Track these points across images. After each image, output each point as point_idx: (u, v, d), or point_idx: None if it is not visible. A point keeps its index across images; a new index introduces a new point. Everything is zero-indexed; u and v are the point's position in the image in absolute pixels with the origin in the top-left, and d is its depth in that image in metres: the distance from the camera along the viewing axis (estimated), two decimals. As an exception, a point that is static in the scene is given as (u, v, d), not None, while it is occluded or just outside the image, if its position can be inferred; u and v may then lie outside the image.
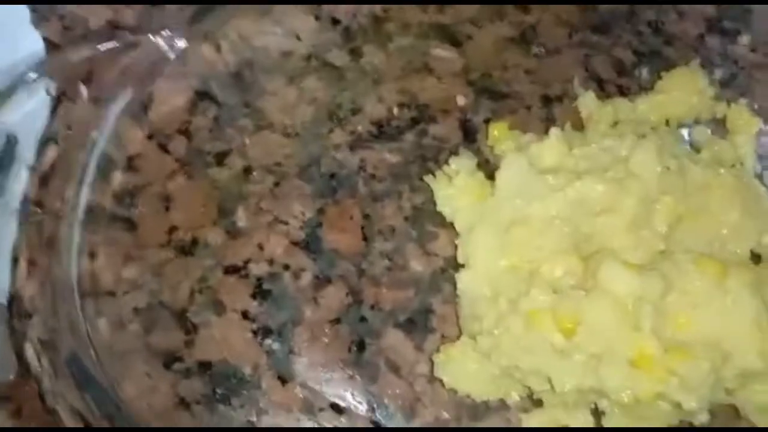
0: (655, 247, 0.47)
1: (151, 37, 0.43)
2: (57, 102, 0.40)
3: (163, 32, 0.43)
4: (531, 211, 0.47)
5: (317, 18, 0.58)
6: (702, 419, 0.47)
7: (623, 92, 0.59)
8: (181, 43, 0.44)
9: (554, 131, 0.51)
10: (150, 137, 0.51)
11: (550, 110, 0.58)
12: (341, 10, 0.59)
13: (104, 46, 0.40)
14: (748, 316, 0.44)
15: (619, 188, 0.47)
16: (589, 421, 0.46)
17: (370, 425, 0.46)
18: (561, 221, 0.46)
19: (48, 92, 0.39)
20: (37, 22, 0.51)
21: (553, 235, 0.46)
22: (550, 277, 0.44)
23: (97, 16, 0.57)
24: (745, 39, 0.62)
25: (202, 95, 0.54)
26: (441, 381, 0.46)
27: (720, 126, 0.58)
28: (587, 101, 0.56)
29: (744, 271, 0.46)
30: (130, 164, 0.49)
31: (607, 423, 0.46)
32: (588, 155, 0.49)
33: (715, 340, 0.44)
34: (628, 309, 0.43)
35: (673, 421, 0.46)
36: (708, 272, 0.45)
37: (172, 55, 0.44)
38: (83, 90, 0.40)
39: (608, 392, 0.43)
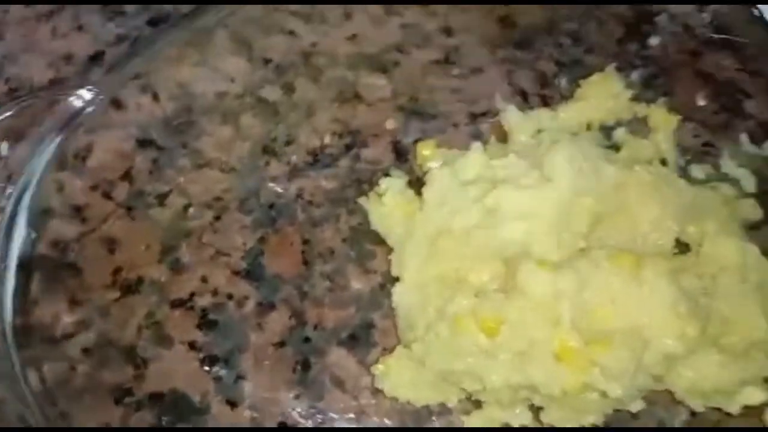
0: (574, 247, 0.49)
1: (78, 91, 0.46)
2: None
3: (89, 87, 0.46)
4: (454, 221, 0.50)
5: (249, 60, 0.61)
6: (637, 407, 0.49)
7: (546, 103, 0.62)
8: (103, 96, 0.47)
9: (475, 145, 0.54)
10: (93, 187, 0.54)
11: (476, 126, 0.61)
12: (273, 50, 0.62)
13: (27, 103, 0.42)
14: (665, 304, 0.47)
15: (535, 193, 0.50)
16: (527, 417, 0.49)
17: (317, 440, 0.48)
18: (482, 230, 0.49)
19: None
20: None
21: (475, 243, 0.49)
22: (474, 282, 0.47)
23: (42, 75, 0.60)
24: (654, 40, 0.65)
25: (142, 142, 0.57)
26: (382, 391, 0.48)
27: (643, 125, 0.61)
28: (509, 114, 0.59)
29: (659, 262, 0.49)
30: (73, 212, 0.52)
31: (544, 418, 0.48)
32: (506, 165, 0.52)
33: (635, 329, 0.46)
34: (547, 306, 0.45)
35: (607, 411, 0.49)
36: (623, 265, 0.47)
37: (92, 108, 0.47)
38: (4, 148, 0.42)
39: (537, 387, 0.46)
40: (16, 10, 0.64)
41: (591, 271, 0.47)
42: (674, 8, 0.68)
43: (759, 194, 0.60)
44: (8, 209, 0.42)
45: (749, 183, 0.60)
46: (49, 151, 0.44)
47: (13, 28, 0.63)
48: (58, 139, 0.44)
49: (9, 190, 0.42)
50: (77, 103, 0.46)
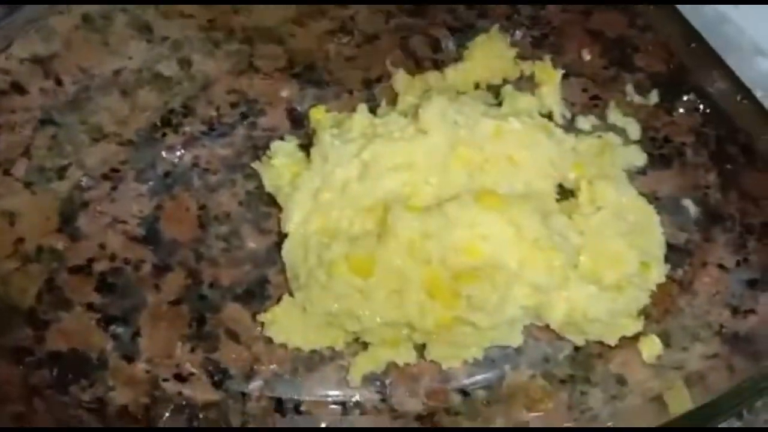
0: (450, 193, 0.52)
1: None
2: None
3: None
4: (335, 176, 0.53)
5: (149, 41, 0.63)
6: (516, 341, 0.52)
7: (438, 66, 0.65)
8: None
9: (361, 107, 0.57)
10: (-5, 166, 0.56)
11: (371, 92, 0.64)
12: (172, 28, 0.65)
13: None
14: (529, 239, 0.50)
15: (409, 145, 0.52)
16: (412, 355, 0.52)
17: (212, 388, 0.50)
18: (360, 182, 0.52)
19: None
20: None
21: (353, 195, 0.52)
22: (348, 230, 0.50)
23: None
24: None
25: (44, 122, 0.59)
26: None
27: (531, 83, 0.65)
28: (399, 78, 0.62)
29: (527, 202, 0.52)
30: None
31: (428, 354, 0.51)
32: (387, 122, 0.55)
33: (501, 264, 0.49)
34: (417, 246, 0.48)
35: (485, 344, 0.52)
36: (489, 206, 0.50)
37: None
38: None
39: (414, 323, 0.49)
40: None
41: (459, 212, 0.50)
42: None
43: (644, 141, 0.64)
44: None
45: (634, 130, 0.64)
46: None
47: None
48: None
49: None
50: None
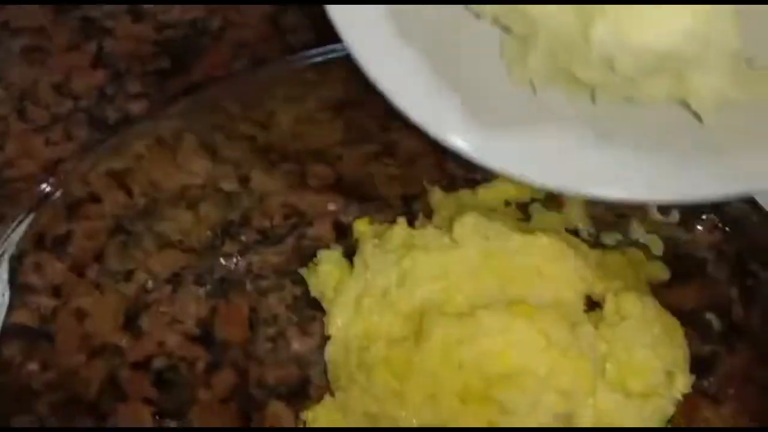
0: (481, 302, 0.56)
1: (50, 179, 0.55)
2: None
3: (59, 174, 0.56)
4: (376, 282, 0.57)
5: (213, 160, 0.70)
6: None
7: (471, 185, 0.70)
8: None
9: (400, 220, 0.62)
10: (71, 268, 0.62)
11: (409, 206, 0.69)
12: (234, 148, 0.72)
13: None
14: (559, 347, 0.53)
15: (444, 256, 0.57)
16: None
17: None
18: (399, 288, 0.56)
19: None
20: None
21: (392, 301, 0.55)
22: (388, 334, 0.53)
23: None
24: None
25: (115, 230, 0.65)
26: (313, 437, 0.54)
27: (558, 202, 0.69)
28: (435, 194, 0.67)
29: (556, 312, 0.55)
30: (50, 289, 0.59)
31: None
32: (424, 235, 0.60)
33: (531, 370, 0.52)
34: (451, 352, 0.51)
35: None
36: (520, 315, 0.53)
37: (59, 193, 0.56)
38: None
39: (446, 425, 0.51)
40: (15, 124, 0.75)
41: (491, 319, 0.53)
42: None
43: (667, 257, 0.67)
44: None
45: (657, 247, 0.67)
46: (21, 229, 0.52)
47: (12, 139, 0.74)
48: (30, 218, 0.53)
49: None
50: (47, 188, 0.55)
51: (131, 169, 0.71)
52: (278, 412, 0.57)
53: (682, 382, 0.56)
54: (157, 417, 0.55)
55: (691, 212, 0.71)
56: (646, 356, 0.56)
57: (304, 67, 0.77)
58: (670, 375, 0.55)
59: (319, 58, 0.78)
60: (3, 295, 0.51)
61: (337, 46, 0.78)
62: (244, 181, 0.72)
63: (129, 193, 0.69)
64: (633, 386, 0.54)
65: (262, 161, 0.74)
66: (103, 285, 0.62)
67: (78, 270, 0.63)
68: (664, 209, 0.70)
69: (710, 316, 0.62)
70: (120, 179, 0.70)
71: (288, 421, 0.56)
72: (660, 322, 0.59)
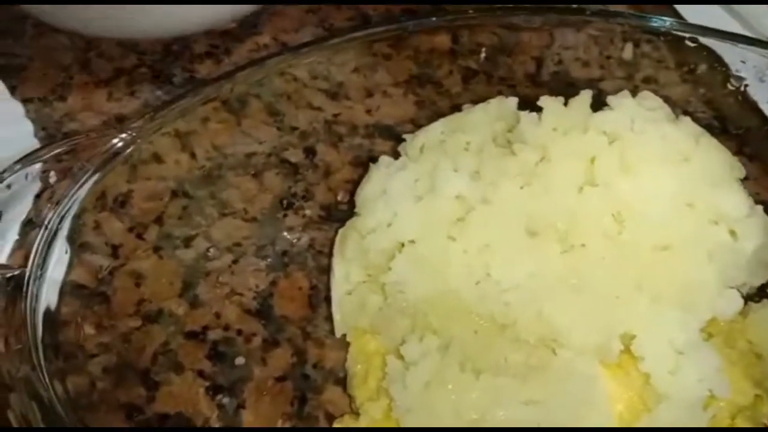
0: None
1: (120, 134, 0.53)
2: (41, 190, 0.50)
3: (128, 131, 0.53)
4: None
5: (279, 129, 0.68)
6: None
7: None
8: (140, 140, 0.54)
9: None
10: (130, 229, 0.60)
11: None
12: (300, 118, 0.69)
13: (75, 141, 0.49)
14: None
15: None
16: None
17: (307, 469, 0.50)
18: None
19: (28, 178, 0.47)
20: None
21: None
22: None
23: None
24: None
25: (176, 192, 0.63)
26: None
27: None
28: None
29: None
30: (107, 249, 0.58)
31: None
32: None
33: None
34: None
35: None
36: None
37: (129, 150, 0.54)
38: (52, 177, 0.49)
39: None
40: (78, 77, 0.73)
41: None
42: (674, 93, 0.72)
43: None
44: (49, 234, 0.47)
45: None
46: (88, 185, 0.50)
47: (75, 91, 0.73)
48: (96, 176, 0.51)
49: (50, 216, 0.48)
50: (118, 144, 0.53)
51: (196, 131, 0.69)
52: (335, 398, 0.54)
53: (769, 407, 0.52)
54: (209, 392, 0.53)
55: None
56: (734, 376, 0.52)
57: (377, 39, 0.74)
58: (759, 399, 0.51)
59: (393, 32, 0.75)
60: (66, 252, 0.49)
61: (410, 22, 0.76)
62: (310, 153, 0.69)
63: (193, 156, 0.67)
64: (720, 410, 0.51)
65: (329, 134, 0.71)
66: (162, 249, 0.60)
67: (137, 232, 0.61)
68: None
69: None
70: (184, 141, 0.68)
71: (344, 408, 0.54)
72: (747, 340, 0.55)
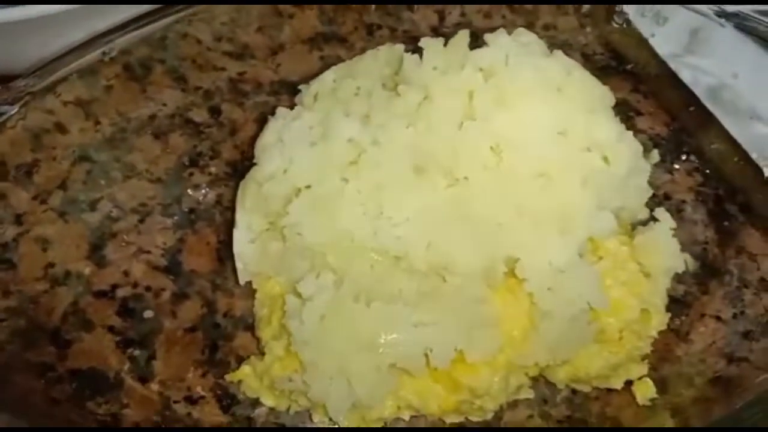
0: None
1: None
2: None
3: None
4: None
5: (183, 90, 0.69)
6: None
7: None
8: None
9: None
10: (34, 197, 0.61)
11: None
12: (205, 79, 0.70)
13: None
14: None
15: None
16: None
17: (220, 412, 0.53)
18: None
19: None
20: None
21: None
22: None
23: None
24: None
25: (81, 158, 0.64)
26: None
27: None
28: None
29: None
30: (13, 218, 0.58)
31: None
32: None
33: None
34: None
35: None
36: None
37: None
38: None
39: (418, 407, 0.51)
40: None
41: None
42: (571, 38, 0.76)
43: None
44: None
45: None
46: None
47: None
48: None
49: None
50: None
51: (98, 99, 0.69)
52: (245, 342, 0.57)
53: (658, 320, 0.56)
54: (120, 346, 0.55)
55: (671, 154, 0.71)
56: (622, 294, 0.56)
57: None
58: (645, 313, 0.55)
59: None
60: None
61: (316, -21, 0.77)
62: (215, 112, 0.70)
63: (97, 122, 0.68)
64: (609, 325, 0.54)
65: (234, 93, 0.72)
66: (67, 213, 0.61)
67: (41, 198, 0.62)
68: (644, 149, 0.70)
69: (686, 256, 0.63)
70: (87, 110, 0.68)
71: (253, 350, 0.56)
72: (636, 261, 0.59)
